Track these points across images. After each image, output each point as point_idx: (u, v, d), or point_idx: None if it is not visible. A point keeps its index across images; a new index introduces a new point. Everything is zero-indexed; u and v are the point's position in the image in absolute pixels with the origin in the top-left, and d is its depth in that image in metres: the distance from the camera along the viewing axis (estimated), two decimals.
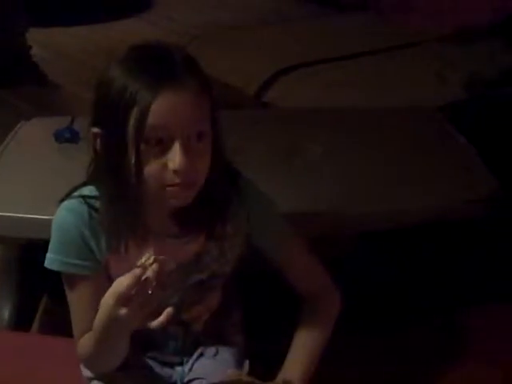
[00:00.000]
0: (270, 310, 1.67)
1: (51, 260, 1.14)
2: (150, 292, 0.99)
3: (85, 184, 1.17)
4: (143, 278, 0.99)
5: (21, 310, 1.80)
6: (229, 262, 1.24)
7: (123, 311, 1.01)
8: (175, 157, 1.03)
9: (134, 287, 0.99)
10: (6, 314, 1.76)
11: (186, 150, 1.04)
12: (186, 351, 1.30)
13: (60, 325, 1.78)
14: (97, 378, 1.24)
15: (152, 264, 1.00)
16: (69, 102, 3.48)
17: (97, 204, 1.13)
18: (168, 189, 1.06)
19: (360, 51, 3.22)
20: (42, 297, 1.94)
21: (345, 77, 2.93)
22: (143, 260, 1.01)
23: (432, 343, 1.53)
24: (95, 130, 1.09)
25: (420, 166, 1.74)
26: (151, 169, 1.05)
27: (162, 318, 1.03)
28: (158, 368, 1.29)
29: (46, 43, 4.20)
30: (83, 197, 1.14)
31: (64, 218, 1.14)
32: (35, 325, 1.85)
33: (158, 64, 1.05)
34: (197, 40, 3.51)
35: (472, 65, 2.96)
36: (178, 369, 1.29)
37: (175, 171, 1.04)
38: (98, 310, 1.09)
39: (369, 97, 2.59)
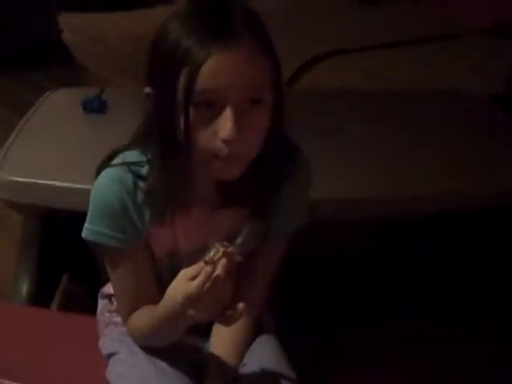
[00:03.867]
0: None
1: (90, 231, 1.05)
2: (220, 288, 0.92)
3: (126, 148, 1.08)
4: (214, 275, 0.91)
5: (40, 286, 1.74)
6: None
7: (192, 311, 0.94)
8: (225, 124, 0.94)
9: (204, 286, 0.92)
10: (25, 289, 1.70)
11: (238, 118, 0.94)
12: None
13: (79, 304, 1.74)
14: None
15: (221, 258, 0.92)
16: (96, 84, 3.44)
17: (142, 171, 1.04)
18: (215, 161, 0.97)
19: (396, 40, 3.12)
20: (61, 275, 1.89)
21: (382, 64, 2.83)
22: (212, 254, 0.92)
23: None
24: (147, 90, 1.00)
25: (468, 149, 1.68)
26: (200, 136, 0.95)
27: (237, 316, 0.96)
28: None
29: (76, 28, 4.20)
30: (128, 164, 1.05)
31: (107, 189, 1.04)
32: (54, 303, 1.80)
33: (214, 19, 0.95)
34: None
35: None
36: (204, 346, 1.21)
37: (224, 141, 0.95)
38: (142, 285, 1.08)
39: (407, 84, 2.49)
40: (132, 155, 1.06)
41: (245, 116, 0.95)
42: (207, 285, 0.91)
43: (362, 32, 3.26)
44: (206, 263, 0.92)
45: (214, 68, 0.92)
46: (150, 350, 1.14)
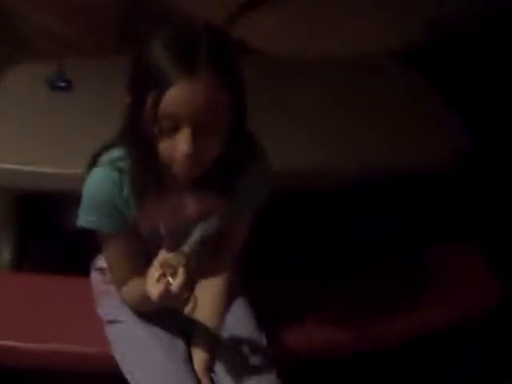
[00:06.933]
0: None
1: (84, 220, 1.25)
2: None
3: (112, 145, 1.26)
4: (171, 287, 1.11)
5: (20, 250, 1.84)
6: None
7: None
8: (183, 143, 1.12)
9: (164, 294, 1.11)
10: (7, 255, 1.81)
11: (196, 137, 1.12)
12: None
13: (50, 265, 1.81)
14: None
15: (182, 266, 1.12)
16: None
17: (125, 164, 1.23)
18: (177, 163, 1.16)
19: None
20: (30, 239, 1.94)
21: None
22: (178, 258, 1.12)
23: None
24: (126, 100, 1.18)
25: (391, 119, 1.85)
26: (163, 146, 1.14)
27: (179, 280, 1.11)
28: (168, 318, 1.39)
29: None
30: (112, 162, 1.23)
31: (98, 187, 1.23)
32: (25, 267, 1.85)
33: (184, 51, 1.11)
34: None
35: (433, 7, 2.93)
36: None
37: (182, 155, 1.14)
38: (131, 260, 1.29)
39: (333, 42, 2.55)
40: (117, 151, 1.25)
41: (202, 134, 1.13)
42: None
43: None
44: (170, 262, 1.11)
45: (176, 96, 1.10)
46: (145, 316, 1.36)
